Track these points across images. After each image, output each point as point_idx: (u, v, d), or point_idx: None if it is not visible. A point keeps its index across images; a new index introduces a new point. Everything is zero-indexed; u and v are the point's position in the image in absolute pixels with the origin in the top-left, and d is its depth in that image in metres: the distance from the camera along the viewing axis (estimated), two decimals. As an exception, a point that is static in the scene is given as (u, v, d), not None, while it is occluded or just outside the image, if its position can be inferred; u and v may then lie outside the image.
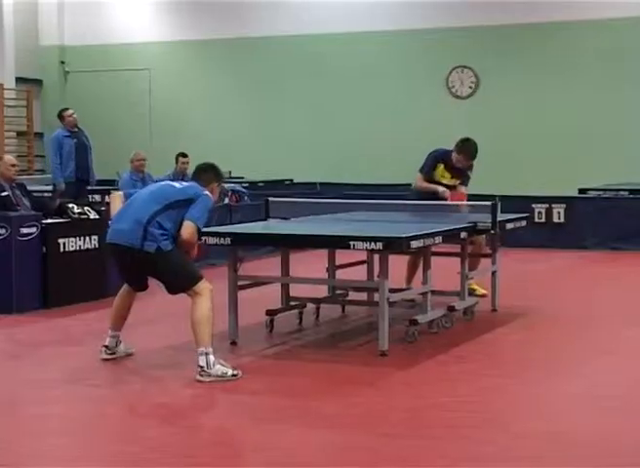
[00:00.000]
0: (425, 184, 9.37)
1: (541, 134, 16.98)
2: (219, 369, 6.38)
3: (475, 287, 9.31)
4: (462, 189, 9.43)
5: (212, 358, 6.38)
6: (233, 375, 6.40)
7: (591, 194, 14.43)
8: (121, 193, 7.32)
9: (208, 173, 6.98)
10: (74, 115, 13.65)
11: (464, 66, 17.56)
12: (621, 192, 14.43)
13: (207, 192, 6.72)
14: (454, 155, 9.27)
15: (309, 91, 18.46)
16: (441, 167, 9.33)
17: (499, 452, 5.02)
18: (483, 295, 9.14)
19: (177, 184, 6.91)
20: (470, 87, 17.56)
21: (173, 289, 6.69)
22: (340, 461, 4.92)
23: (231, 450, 5.08)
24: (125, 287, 6.98)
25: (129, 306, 6.97)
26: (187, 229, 6.53)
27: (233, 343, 7.49)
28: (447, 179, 9.34)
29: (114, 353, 6.95)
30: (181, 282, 6.58)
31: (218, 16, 19.03)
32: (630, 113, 16.53)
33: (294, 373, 6.70)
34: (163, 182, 7.22)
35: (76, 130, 13.69)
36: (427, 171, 9.37)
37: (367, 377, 6.54)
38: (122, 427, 5.51)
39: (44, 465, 4.84)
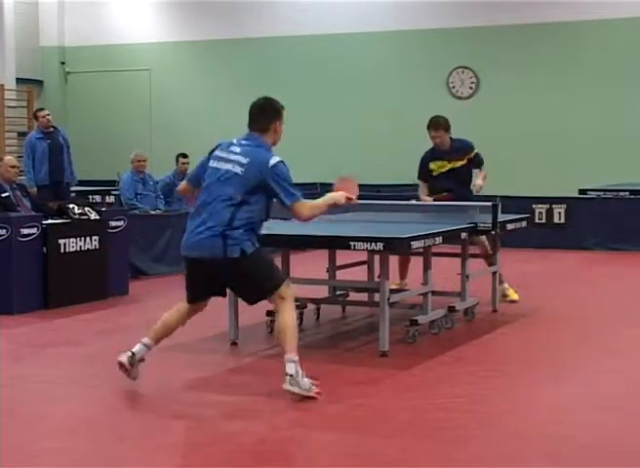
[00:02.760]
0: (423, 197, 9.36)
1: (542, 134, 16.97)
2: (306, 382, 5.89)
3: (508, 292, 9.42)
4: (480, 174, 9.30)
5: (299, 368, 5.87)
6: (317, 394, 5.89)
7: (591, 194, 14.45)
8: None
9: (263, 113, 6.07)
10: (48, 116, 13.28)
11: (465, 67, 17.56)
12: (621, 192, 14.45)
13: (273, 159, 5.90)
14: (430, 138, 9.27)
15: (309, 91, 18.44)
16: (432, 163, 9.28)
17: (499, 453, 5.02)
18: (513, 301, 9.31)
19: (237, 168, 5.90)
20: (471, 87, 17.56)
21: (254, 296, 6.11)
22: (341, 462, 4.91)
23: (231, 452, 5.07)
24: (186, 305, 6.24)
25: (179, 326, 6.31)
26: (296, 211, 5.93)
27: (233, 343, 7.50)
28: (445, 167, 9.26)
29: (133, 365, 6.15)
30: (266, 286, 5.97)
31: (218, 16, 19.03)
32: (630, 113, 16.52)
33: (294, 374, 6.69)
34: (221, 169, 5.97)
35: (51, 130, 13.31)
36: (420, 175, 9.41)
37: (367, 378, 6.54)
38: (122, 428, 5.51)
39: (44, 466, 4.85)
